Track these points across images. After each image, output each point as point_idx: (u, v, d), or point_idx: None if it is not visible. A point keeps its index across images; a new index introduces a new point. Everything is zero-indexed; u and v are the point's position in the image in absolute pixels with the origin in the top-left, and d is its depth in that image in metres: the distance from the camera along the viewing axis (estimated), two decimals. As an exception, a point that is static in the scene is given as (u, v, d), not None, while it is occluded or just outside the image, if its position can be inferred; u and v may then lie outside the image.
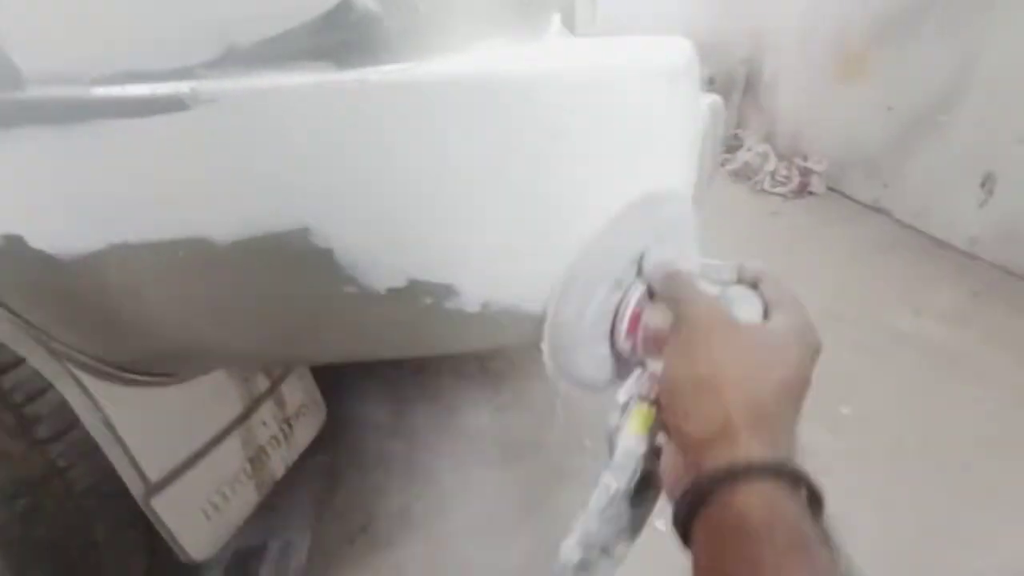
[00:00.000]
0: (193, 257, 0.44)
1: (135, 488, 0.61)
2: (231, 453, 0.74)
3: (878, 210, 2.57)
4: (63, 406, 0.65)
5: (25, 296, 0.49)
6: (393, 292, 0.44)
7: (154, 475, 0.62)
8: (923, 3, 2.25)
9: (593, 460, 1.29)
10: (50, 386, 0.63)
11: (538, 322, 0.47)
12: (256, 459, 0.78)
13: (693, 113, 0.44)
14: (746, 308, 0.40)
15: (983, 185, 2.05)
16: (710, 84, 4.03)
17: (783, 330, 0.38)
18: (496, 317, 0.46)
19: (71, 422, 0.66)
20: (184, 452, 0.66)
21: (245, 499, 0.76)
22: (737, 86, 3.77)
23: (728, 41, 3.86)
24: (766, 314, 0.40)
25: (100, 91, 0.36)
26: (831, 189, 2.90)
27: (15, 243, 0.44)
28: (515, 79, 0.35)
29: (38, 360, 0.53)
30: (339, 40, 0.33)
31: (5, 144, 0.40)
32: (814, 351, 0.38)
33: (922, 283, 1.92)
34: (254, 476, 0.78)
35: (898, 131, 2.46)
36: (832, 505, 0.32)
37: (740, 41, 3.79)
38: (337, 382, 1.22)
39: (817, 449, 1.27)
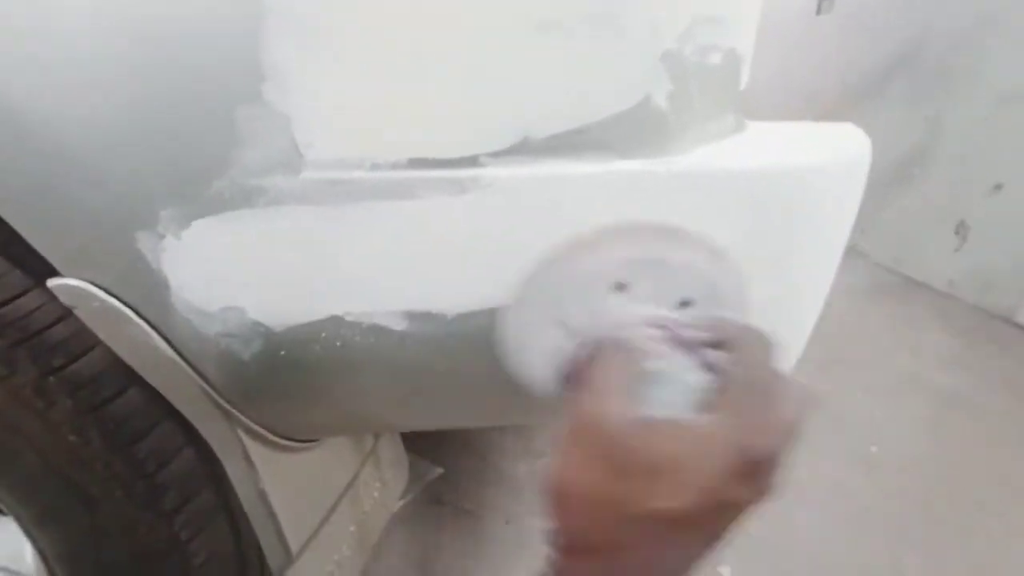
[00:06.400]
0: (409, 327, 0.45)
1: (276, 561, 0.59)
2: (344, 517, 0.72)
3: (857, 254, 2.74)
4: (188, 475, 0.63)
5: (221, 367, 0.48)
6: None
7: (295, 546, 0.60)
8: (887, 72, 2.49)
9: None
10: (177, 454, 0.62)
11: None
12: (361, 523, 0.76)
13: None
14: (671, 394, 0.30)
15: (956, 232, 2.23)
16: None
17: (702, 436, 0.28)
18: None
19: (195, 492, 0.63)
20: (315, 520, 0.64)
21: (354, 566, 0.74)
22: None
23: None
24: (708, 403, 0.30)
25: (377, 175, 0.38)
26: (811, 234, 3.08)
27: (235, 314, 0.44)
28: (757, 170, 0.39)
29: (212, 428, 0.51)
30: (627, 134, 0.36)
31: (253, 221, 0.40)
32: (750, 465, 0.27)
33: (911, 325, 2.05)
34: (361, 540, 0.76)
35: (873, 182, 2.62)
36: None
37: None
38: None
39: (856, 490, 1.32)
